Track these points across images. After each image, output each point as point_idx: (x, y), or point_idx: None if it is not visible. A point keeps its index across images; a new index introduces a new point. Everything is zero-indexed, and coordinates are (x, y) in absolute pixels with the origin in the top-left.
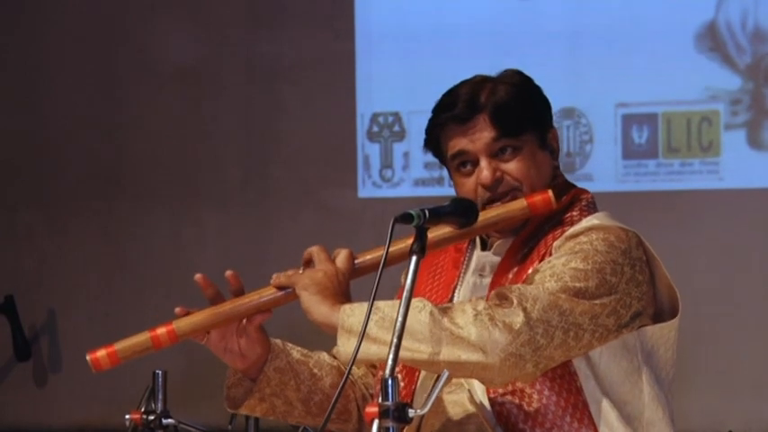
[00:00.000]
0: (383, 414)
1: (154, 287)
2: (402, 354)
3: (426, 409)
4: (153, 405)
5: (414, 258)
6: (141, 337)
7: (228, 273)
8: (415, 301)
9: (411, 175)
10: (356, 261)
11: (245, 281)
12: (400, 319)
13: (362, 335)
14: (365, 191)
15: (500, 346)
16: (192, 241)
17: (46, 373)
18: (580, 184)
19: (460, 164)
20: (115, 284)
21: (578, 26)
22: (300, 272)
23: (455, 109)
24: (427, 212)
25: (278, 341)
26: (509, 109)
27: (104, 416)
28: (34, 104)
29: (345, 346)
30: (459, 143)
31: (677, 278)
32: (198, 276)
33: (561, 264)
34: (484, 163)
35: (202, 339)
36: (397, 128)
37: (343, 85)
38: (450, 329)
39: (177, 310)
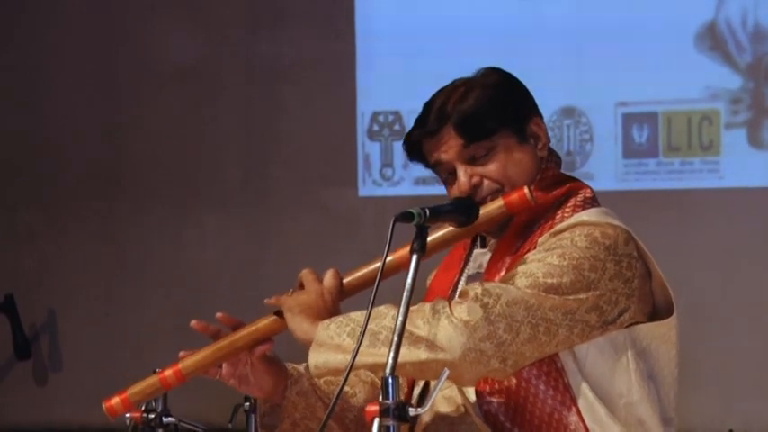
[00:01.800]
0: (384, 413)
1: (154, 287)
2: (366, 359)
3: (425, 408)
4: (153, 404)
5: (414, 257)
6: (151, 380)
7: (219, 315)
8: (381, 308)
9: (411, 174)
10: (344, 280)
11: (245, 280)
12: (401, 318)
13: (361, 339)
14: (365, 189)
15: (459, 342)
16: (193, 241)
17: (46, 373)
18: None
19: (442, 174)
20: (115, 284)
21: (579, 25)
22: (290, 293)
23: (425, 124)
24: (428, 211)
25: (299, 366)
26: (474, 115)
27: (105, 415)
28: (34, 104)
29: (315, 358)
30: (433, 156)
31: (677, 277)
32: (193, 323)
33: (537, 260)
34: (460, 171)
35: (215, 375)
36: (397, 126)
37: (344, 84)
38: (410, 330)
39: (181, 354)
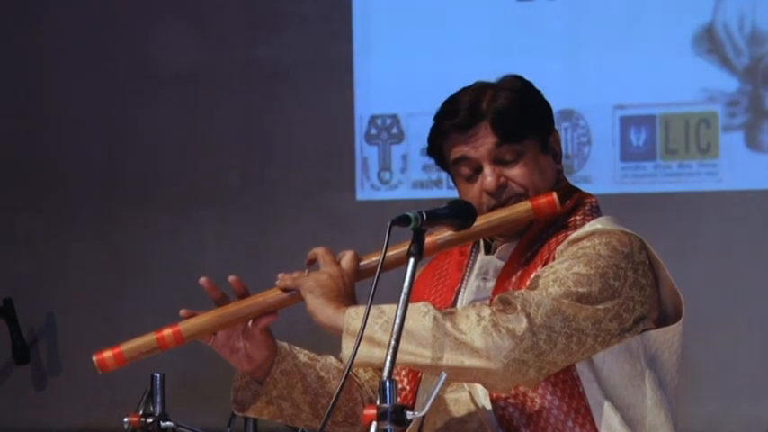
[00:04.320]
0: (381, 416)
1: (153, 290)
2: (405, 358)
3: (425, 411)
4: (151, 408)
5: (411, 261)
6: (147, 338)
7: (232, 278)
8: (420, 305)
9: (409, 178)
10: (361, 263)
11: (245, 283)
12: (398, 321)
13: (360, 337)
14: (363, 193)
15: (503, 352)
16: (192, 244)
17: (45, 377)
18: (578, 186)
19: (464, 171)
20: (114, 288)
21: (577, 28)
22: (306, 274)
23: (456, 117)
24: (425, 215)
25: (285, 344)
26: (510, 115)
27: (103, 419)
28: (33, 108)
29: (350, 349)
30: (461, 151)
31: (675, 280)
32: (203, 280)
33: (564, 268)
34: (488, 170)
35: (209, 341)
36: (395, 130)
37: (342, 87)
38: (454, 335)
39: (182, 312)
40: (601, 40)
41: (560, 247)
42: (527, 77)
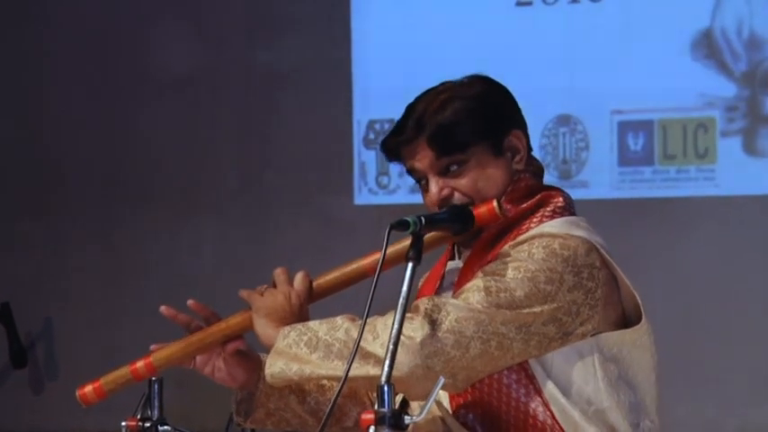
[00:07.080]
0: (379, 421)
1: (151, 295)
2: (318, 372)
3: (423, 415)
4: (149, 412)
5: (410, 265)
6: (122, 371)
7: (190, 303)
8: (337, 319)
9: (407, 182)
10: (314, 282)
11: (242, 287)
12: (396, 326)
13: (355, 351)
14: (361, 198)
15: (406, 358)
16: (190, 249)
17: (42, 381)
18: (576, 191)
19: (417, 179)
20: (112, 292)
21: (574, 33)
22: (264, 289)
23: (401, 132)
24: (423, 219)
25: None
26: (448, 130)
27: (100, 423)
28: (32, 112)
29: (272, 367)
30: (408, 164)
31: (672, 284)
32: (163, 309)
33: (492, 272)
34: (432, 182)
35: (190, 365)
36: None
37: (340, 92)
38: (362, 346)
39: (153, 347)
40: (599, 45)
41: (502, 250)
42: (525, 83)
